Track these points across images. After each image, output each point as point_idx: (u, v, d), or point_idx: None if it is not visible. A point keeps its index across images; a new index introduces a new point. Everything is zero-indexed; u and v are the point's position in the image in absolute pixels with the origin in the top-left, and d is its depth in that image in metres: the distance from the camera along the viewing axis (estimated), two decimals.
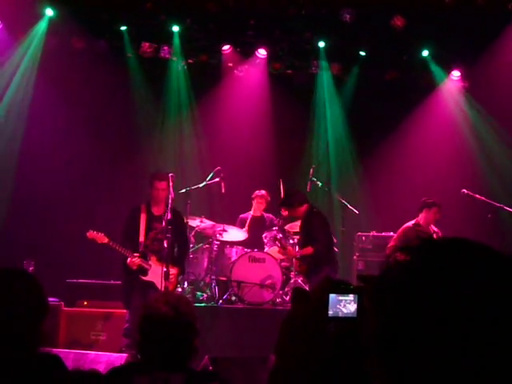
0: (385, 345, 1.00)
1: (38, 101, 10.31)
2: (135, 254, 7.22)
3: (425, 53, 10.89)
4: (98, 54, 10.41)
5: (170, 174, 7.26)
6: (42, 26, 10.16)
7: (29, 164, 10.23)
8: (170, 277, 7.23)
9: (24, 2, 9.89)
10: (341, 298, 2.00)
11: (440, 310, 0.96)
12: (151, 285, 7.31)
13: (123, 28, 10.37)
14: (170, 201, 7.13)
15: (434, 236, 8.44)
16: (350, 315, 1.99)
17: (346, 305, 2.00)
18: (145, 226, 7.38)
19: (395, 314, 0.99)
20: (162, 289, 7.14)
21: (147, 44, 10.51)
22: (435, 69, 11.03)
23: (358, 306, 1.99)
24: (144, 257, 7.30)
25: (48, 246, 9.87)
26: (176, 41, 10.56)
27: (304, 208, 7.75)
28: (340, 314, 1.99)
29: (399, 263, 1.03)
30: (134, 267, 7.21)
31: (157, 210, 7.48)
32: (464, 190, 8.84)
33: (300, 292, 2.28)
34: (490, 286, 0.96)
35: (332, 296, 2.00)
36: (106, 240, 7.22)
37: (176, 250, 7.57)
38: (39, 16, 10.14)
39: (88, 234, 7.28)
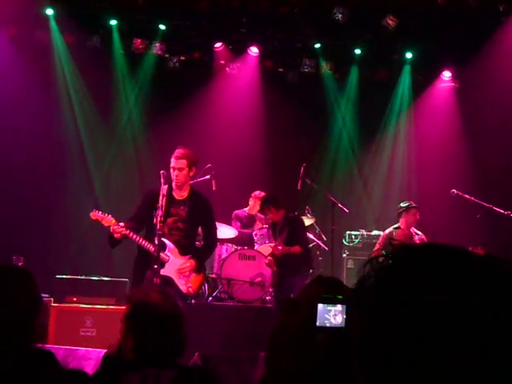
0: (364, 354, 1.00)
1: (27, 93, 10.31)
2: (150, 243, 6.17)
3: (408, 55, 10.91)
4: (88, 50, 10.38)
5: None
6: (57, 38, 10.18)
7: (16, 157, 10.18)
8: (184, 269, 6.39)
9: (26, 5, 9.80)
10: (329, 308, 2.00)
11: (411, 317, 0.95)
12: (168, 280, 6.33)
13: (113, 23, 10.32)
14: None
15: (416, 239, 8.43)
16: (337, 325, 1.98)
17: (334, 315, 1.99)
18: (163, 210, 6.12)
19: (371, 321, 0.99)
20: (180, 286, 6.37)
21: (139, 40, 10.47)
22: (406, 72, 11.11)
23: (346, 316, 1.99)
24: (160, 246, 6.17)
25: (37, 242, 9.83)
26: (159, 38, 10.53)
27: (281, 213, 8.03)
28: (328, 325, 1.98)
29: (373, 270, 1.03)
30: (116, 235, 6.07)
31: (179, 194, 6.36)
32: (454, 191, 8.86)
33: (289, 303, 2.29)
34: (461, 290, 0.95)
35: (320, 306, 1.99)
36: (113, 221, 6.13)
37: (201, 244, 6.66)
38: (44, 19, 10.10)
39: (91, 214, 6.27)
